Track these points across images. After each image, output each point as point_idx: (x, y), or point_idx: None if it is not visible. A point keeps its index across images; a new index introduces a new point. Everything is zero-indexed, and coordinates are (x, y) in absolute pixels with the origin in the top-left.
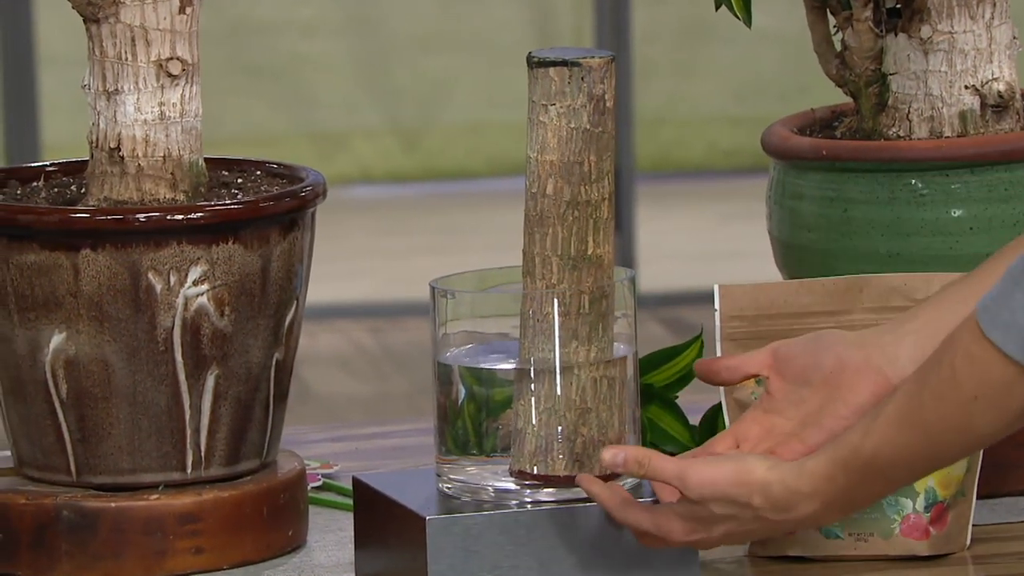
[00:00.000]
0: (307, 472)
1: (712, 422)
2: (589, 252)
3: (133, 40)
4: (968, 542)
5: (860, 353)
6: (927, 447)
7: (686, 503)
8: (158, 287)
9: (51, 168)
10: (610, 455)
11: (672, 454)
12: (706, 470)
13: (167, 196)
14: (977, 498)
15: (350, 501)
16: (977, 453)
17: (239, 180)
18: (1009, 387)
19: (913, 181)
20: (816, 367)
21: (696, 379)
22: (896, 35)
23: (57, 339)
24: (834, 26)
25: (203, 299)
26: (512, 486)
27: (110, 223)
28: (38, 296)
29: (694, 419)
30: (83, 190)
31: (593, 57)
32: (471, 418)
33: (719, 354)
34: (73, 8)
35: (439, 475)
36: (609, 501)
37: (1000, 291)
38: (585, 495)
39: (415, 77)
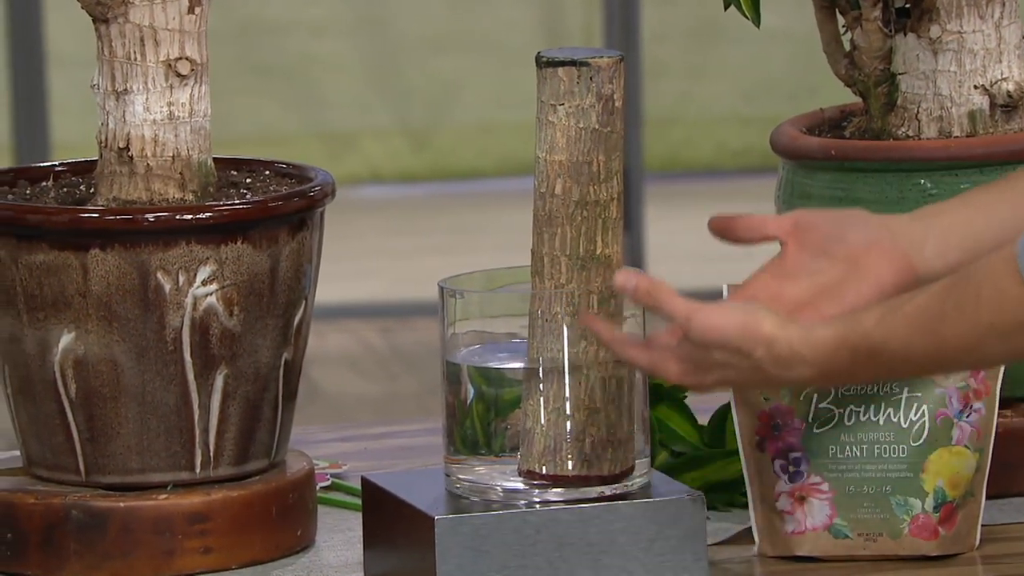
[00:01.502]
0: (316, 472)
1: (721, 422)
2: (598, 252)
3: (142, 40)
4: (977, 542)
5: (887, 235)
6: (935, 354)
7: (686, 345)
8: (167, 287)
9: (60, 168)
10: (623, 277)
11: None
12: (714, 316)
13: (176, 196)
14: (986, 498)
15: (359, 501)
16: (987, 454)
17: (248, 180)
18: None
19: (922, 181)
20: (840, 241)
21: None
22: (905, 35)
23: (66, 339)
24: (843, 26)
25: (212, 299)
26: (521, 486)
27: (119, 223)
28: (47, 296)
29: (703, 419)
30: (92, 190)
31: (602, 57)
32: (480, 418)
33: None
34: (82, 8)
35: (448, 475)
36: (609, 336)
37: None
38: (593, 495)
39: (425, 77)
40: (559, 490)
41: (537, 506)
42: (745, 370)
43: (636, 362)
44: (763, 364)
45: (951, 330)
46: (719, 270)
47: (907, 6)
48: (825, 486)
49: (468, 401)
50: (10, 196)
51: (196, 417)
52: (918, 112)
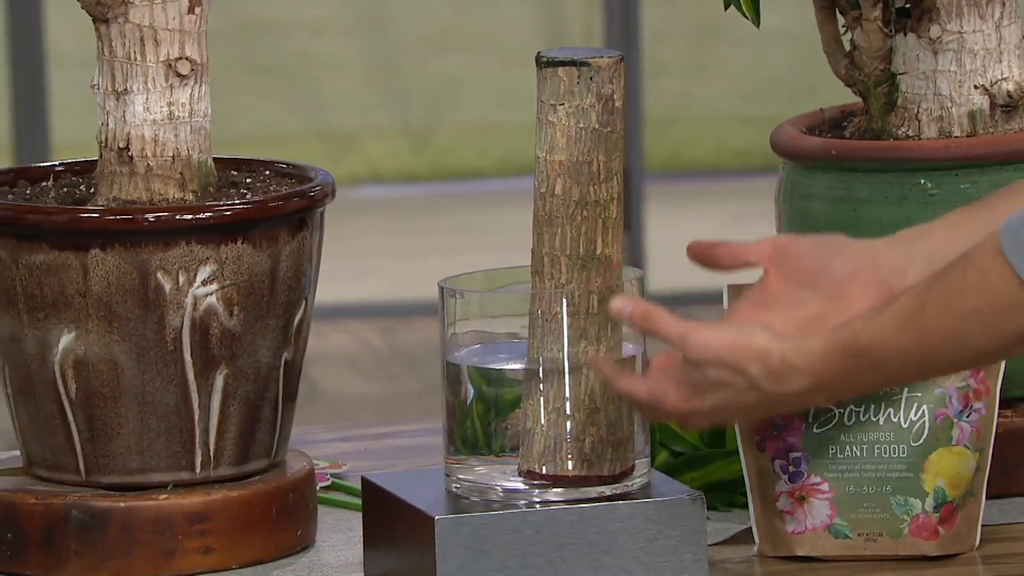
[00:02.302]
0: (316, 472)
1: None
2: (598, 252)
3: (142, 40)
4: (977, 542)
5: (870, 263)
6: (921, 350)
7: (682, 367)
8: (167, 287)
9: (60, 168)
10: (618, 305)
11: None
12: (709, 333)
13: (176, 196)
14: (986, 498)
15: (359, 501)
16: (987, 454)
17: (248, 180)
18: (1009, 309)
19: (922, 181)
20: (824, 271)
21: None
22: (905, 35)
23: (66, 339)
24: (843, 26)
25: (212, 299)
26: (521, 486)
27: (119, 223)
28: (47, 296)
29: None
30: (92, 190)
31: (602, 57)
32: (480, 418)
33: None
34: (82, 8)
35: (448, 475)
36: (608, 370)
37: None
38: (593, 495)
39: (425, 77)
40: (559, 490)
41: (537, 506)
42: (742, 390)
43: (636, 392)
44: (759, 380)
45: (934, 321)
46: None
47: (907, 6)
48: (825, 486)
49: (468, 401)
50: (10, 196)
51: (196, 417)
52: (918, 112)
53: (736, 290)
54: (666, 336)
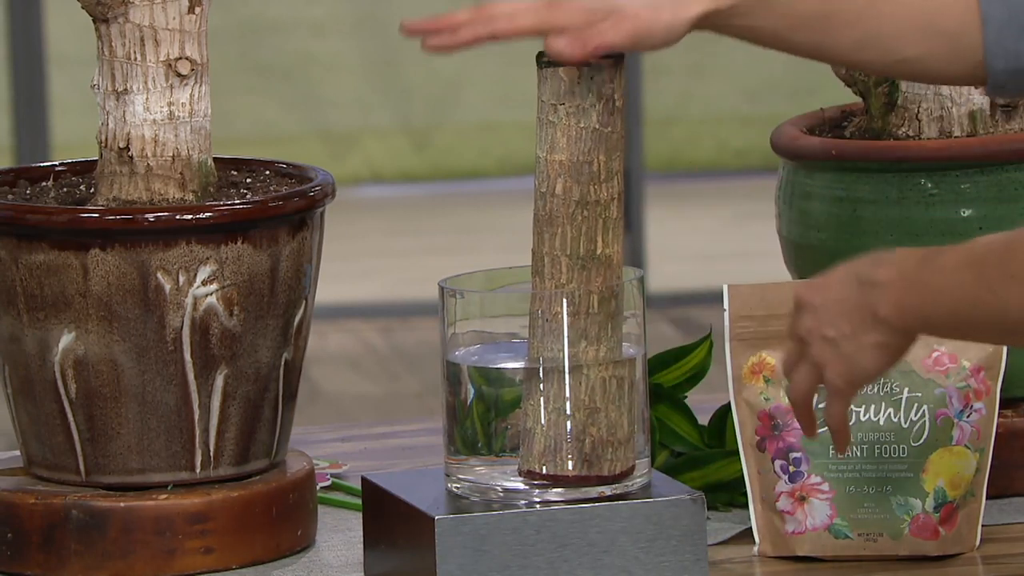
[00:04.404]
0: (316, 472)
1: (721, 422)
2: (598, 252)
3: (142, 40)
4: (978, 542)
5: None
6: (973, 286)
7: None
8: (167, 287)
9: (60, 168)
10: None
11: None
12: None
13: (176, 196)
14: (986, 498)
15: (359, 501)
16: (987, 454)
17: (248, 180)
18: None
19: (922, 181)
20: None
21: (705, 379)
22: None
23: (66, 339)
24: None
25: (212, 299)
26: (521, 486)
27: (119, 223)
28: (47, 296)
29: (703, 419)
30: (92, 190)
31: (602, 57)
32: (480, 418)
33: (728, 355)
34: (82, 8)
35: (448, 475)
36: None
37: None
38: (593, 495)
39: (426, 76)
40: (559, 490)
41: (537, 506)
42: None
43: None
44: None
45: (993, 269)
46: (719, 270)
47: None
48: (825, 486)
49: (468, 401)
50: (10, 196)
51: (196, 417)
52: (918, 112)
53: (735, 290)
54: None
